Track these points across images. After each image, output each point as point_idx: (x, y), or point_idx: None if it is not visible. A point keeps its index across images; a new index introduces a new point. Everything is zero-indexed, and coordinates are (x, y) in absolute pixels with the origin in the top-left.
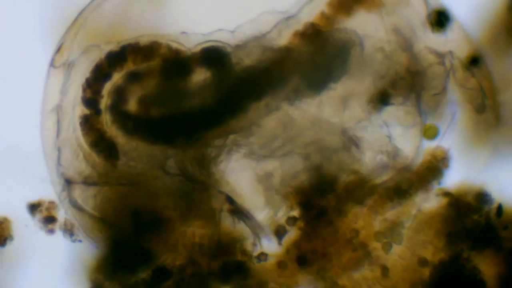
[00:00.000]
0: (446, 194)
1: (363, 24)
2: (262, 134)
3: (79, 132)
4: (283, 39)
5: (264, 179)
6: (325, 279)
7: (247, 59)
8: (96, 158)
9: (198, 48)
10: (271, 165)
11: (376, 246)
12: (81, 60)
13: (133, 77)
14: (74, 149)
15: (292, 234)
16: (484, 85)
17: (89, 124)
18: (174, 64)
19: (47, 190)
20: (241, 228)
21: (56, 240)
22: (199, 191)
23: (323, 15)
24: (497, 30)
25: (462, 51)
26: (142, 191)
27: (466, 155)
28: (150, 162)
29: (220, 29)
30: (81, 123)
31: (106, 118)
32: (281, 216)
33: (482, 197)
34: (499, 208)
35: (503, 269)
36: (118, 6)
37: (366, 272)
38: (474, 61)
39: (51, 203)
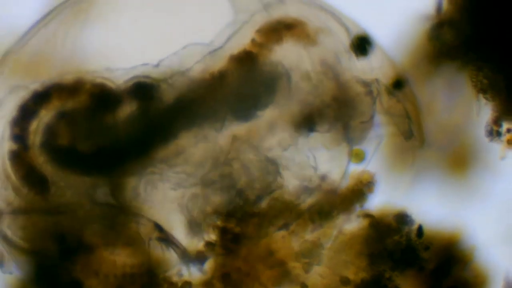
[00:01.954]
0: (368, 216)
1: (289, 55)
2: (189, 163)
3: (7, 166)
4: (210, 70)
5: (188, 207)
6: None
7: (174, 92)
8: (25, 190)
9: (126, 84)
10: (195, 193)
11: (295, 264)
12: (8, 99)
13: (61, 114)
14: (2, 181)
15: (213, 259)
16: (409, 109)
17: (19, 159)
18: (100, 100)
19: None
20: (170, 256)
21: None
22: (127, 220)
23: (254, 42)
24: (418, 58)
25: (387, 78)
26: (70, 219)
27: (389, 178)
28: (79, 192)
29: (144, 63)
30: (10, 158)
31: (35, 153)
32: (200, 242)
33: (402, 218)
34: (420, 229)
35: None
36: (43, 43)
37: None
38: (398, 84)
39: None
